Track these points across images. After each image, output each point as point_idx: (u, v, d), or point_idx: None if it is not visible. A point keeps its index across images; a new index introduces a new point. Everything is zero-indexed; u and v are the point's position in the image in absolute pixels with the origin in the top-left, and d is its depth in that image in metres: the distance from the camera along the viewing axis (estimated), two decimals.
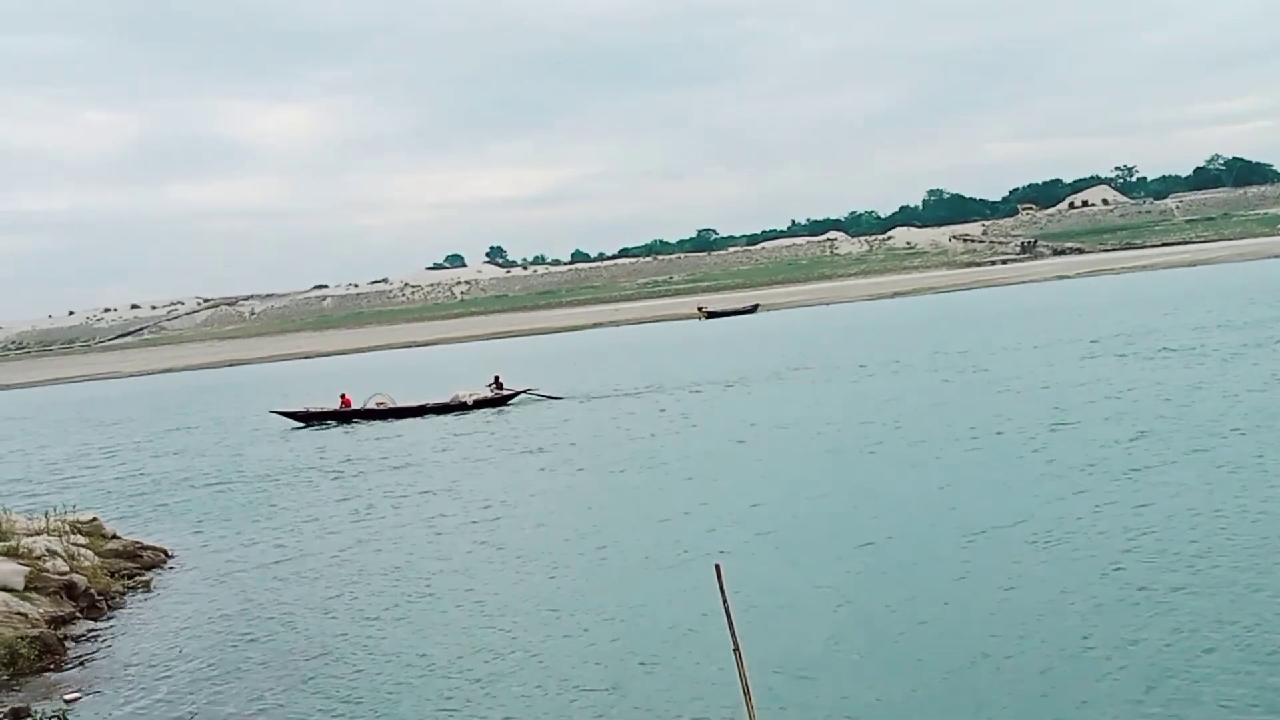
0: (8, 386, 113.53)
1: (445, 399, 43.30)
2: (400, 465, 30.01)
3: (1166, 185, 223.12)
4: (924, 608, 13.67)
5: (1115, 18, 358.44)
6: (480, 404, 42.65)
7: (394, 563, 18.81)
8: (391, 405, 42.98)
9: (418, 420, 41.04)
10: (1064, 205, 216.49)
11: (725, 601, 8.57)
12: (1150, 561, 14.47)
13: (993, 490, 19.66)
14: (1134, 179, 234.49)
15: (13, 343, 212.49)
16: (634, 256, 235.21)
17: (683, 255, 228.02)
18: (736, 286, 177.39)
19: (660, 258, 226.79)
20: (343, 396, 44.04)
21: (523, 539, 19.69)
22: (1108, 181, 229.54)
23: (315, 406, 44.80)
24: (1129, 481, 19.02)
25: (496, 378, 44.34)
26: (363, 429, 40.38)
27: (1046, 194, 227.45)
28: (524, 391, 43.65)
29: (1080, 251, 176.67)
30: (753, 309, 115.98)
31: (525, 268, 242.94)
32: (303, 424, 43.08)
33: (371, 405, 42.97)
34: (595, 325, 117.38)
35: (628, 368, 55.99)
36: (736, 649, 8.46)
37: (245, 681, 13.47)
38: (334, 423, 42.72)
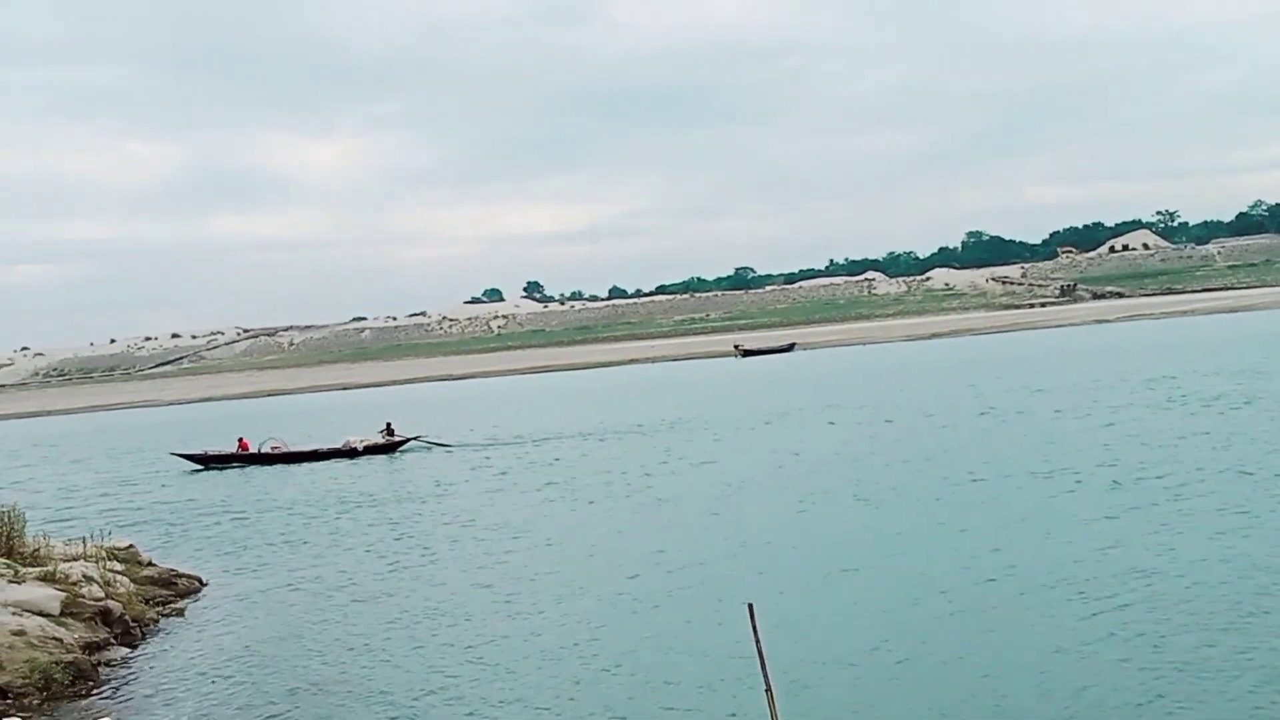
0: (50, 413, 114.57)
1: (338, 444, 43.91)
2: (417, 498, 30.07)
3: (1208, 230, 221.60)
4: (962, 654, 13.54)
5: (1160, 62, 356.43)
6: (370, 450, 43.25)
7: (426, 596, 18.81)
8: (286, 449, 43.62)
9: (315, 464, 41.59)
10: (1104, 249, 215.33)
11: (758, 641, 8.54)
12: (1208, 614, 14.30)
13: (1040, 535, 19.42)
14: (1175, 224, 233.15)
15: (54, 369, 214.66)
16: (671, 293, 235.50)
17: (720, 293, 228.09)
18: (773, 325, 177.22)
19: (697, 295, 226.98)
20: (240, 440, 44.68)
21: (552, 572, 19.67)
22: (1149, 226, 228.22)
23: (214, 450, 45.28)
24: (1170, 530, 18.83)
25: (389, 424, 45.09)
26: (263, 471, 40.93)
27: (1087, 237, 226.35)
28: (414, 439, 44.20)
29: (1120, 295, 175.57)
30: (789, 348, 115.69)
31: (562, 303, 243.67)
32: (201, 466, 43.44)
33: (267, 449, 43.54)
34: (631, 361, 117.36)
35: (641, 407, 55.96)
36: (769, 689, 8.42)
37: (276, 713, 13.48)
38: (236, 465, 43.08)
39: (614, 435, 42.73)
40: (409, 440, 43.96)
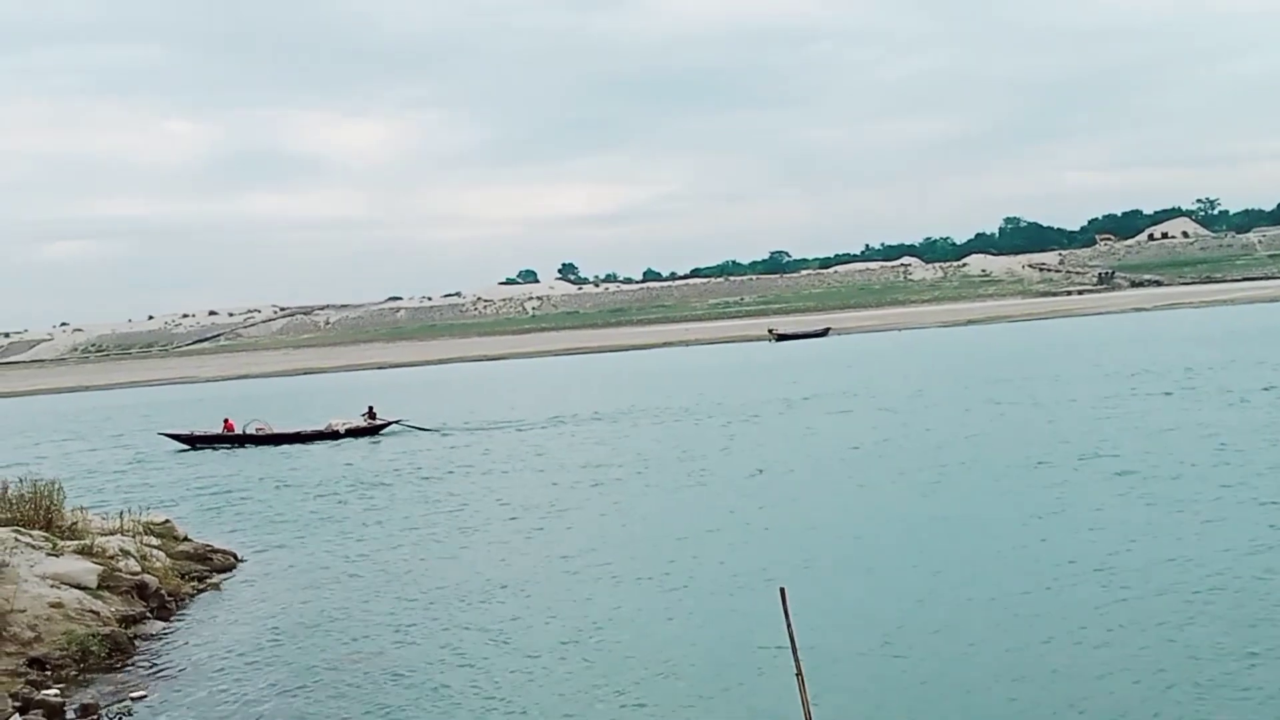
0: (87, 388, 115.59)
1: (320, 427, 44.36)
2: (448, 478, 30.20)
3: (1249, 219, 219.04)
4: (996, 644, 13.49)
5: (1202, 48, 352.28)
6: (353, 432, 43.63)
7: (458, 576, 18.90)
8: (269, 431, 44.09)
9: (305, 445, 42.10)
10: (1143, 237, 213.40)
11: (789, 625, 8.54)
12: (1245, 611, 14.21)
13: (1084, 525, 19.28)
14: (1215, 211, 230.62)
15: (93, 345, 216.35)
16: (706, 277, 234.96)
17: (755, 277, 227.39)
18: (808, 310, 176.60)
19: (732, 279, 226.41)
20: (226, 421, 45.26)
21: (584, 552, 19.72)
22: (1189, 214, 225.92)
23: (200, 430, 45.87)
24: (1216, 523, 18.71)
25: (370, 408, 45.47)
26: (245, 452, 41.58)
27: (1126, 225, 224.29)
28: (395, 422, 44.54)
29: (1158, 284, 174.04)
30: (824, 332, 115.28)
31: (597, 285, 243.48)
32: (188, 446, 43.96)
33: (251, 430, 44.10)
34: (665, 344, 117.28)
35: (660, 391, 55.94)
36: (799, 673, 8.42)
37: (312, 688, 13.59)
38: (222, 446, 43.56)
39: (646, 417, 42.76)
40: (391, 423, 44.40)
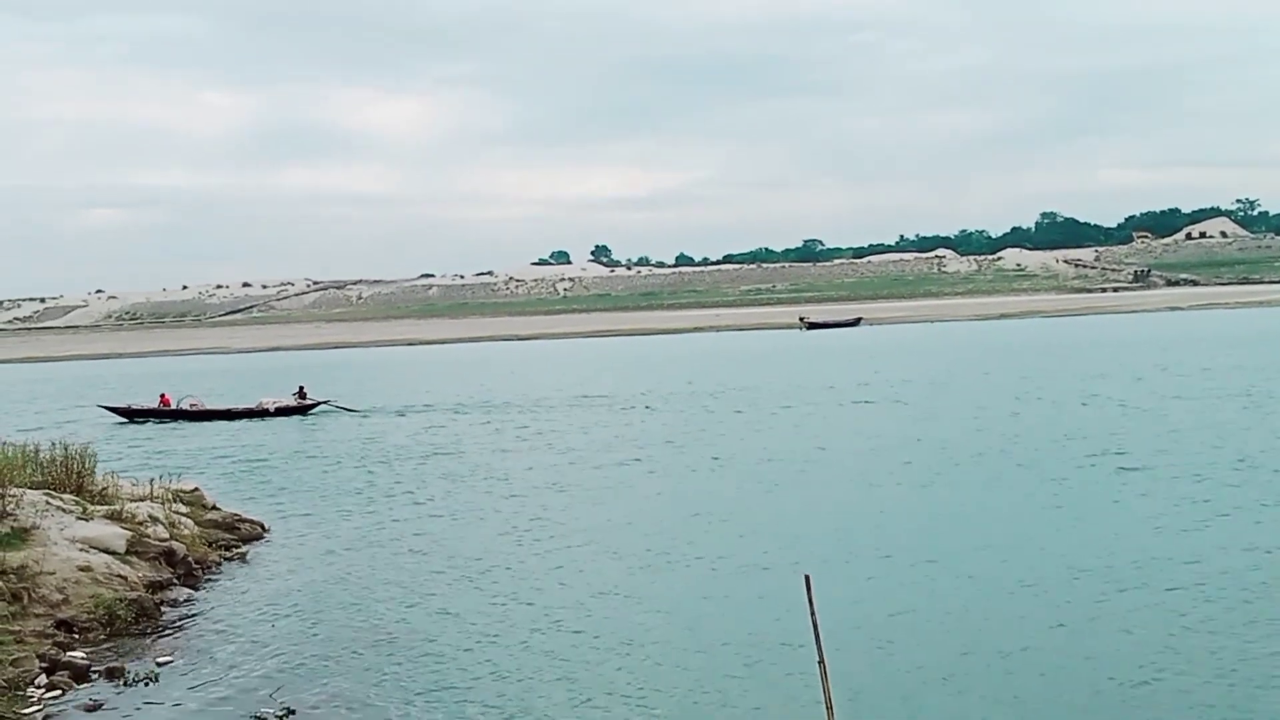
0: (120, 355, 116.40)
1: (252, 405, 44.85)
2: (474, 453, 30.29)
3: None
4: (1021, 640, 13.43)
5: (1242, 49, 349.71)
6: (283, 411, 44.02)
7: (484, 553, 18.95)
8: (203, 408, 44.55)
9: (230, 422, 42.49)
10: (1181, 235, 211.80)
11: (813, 613, 8.51)
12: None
13: (1110, 521, 19.20)
14: (1255, 212, 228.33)
15: (127, 313, 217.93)
16: (738, 263, 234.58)
17: (787, 265, 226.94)
18: (840, 299, 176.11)
19: (764, 266, 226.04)
20: (162, 396, 45.67)
21: (607, 534, 19.76)
22: (1228, 214, 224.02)
23: (137, 404, 46.21)
24: (1241, 523, 18.59)
25: (301, 387, 46.12)
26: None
27: (1163, 223, 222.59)
28: (325, 402, 45.15)
29: (1195, 283, 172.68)
30: (855, 322, 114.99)
31: (629, 268, 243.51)
32: (125, 419, 44.31)
33: (186, 406, 44.52)
34: (695, 329, 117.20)
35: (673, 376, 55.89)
36: (821, 661, 8.40)
37: (335, 658, 13.66)
38: (156, 420, 43.86)
39: (676, 400, 42.78)
40: (320, 403, 45.04)
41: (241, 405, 45.11)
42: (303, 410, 44.36)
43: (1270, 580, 15.06)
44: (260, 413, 43.81)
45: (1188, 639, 12.97)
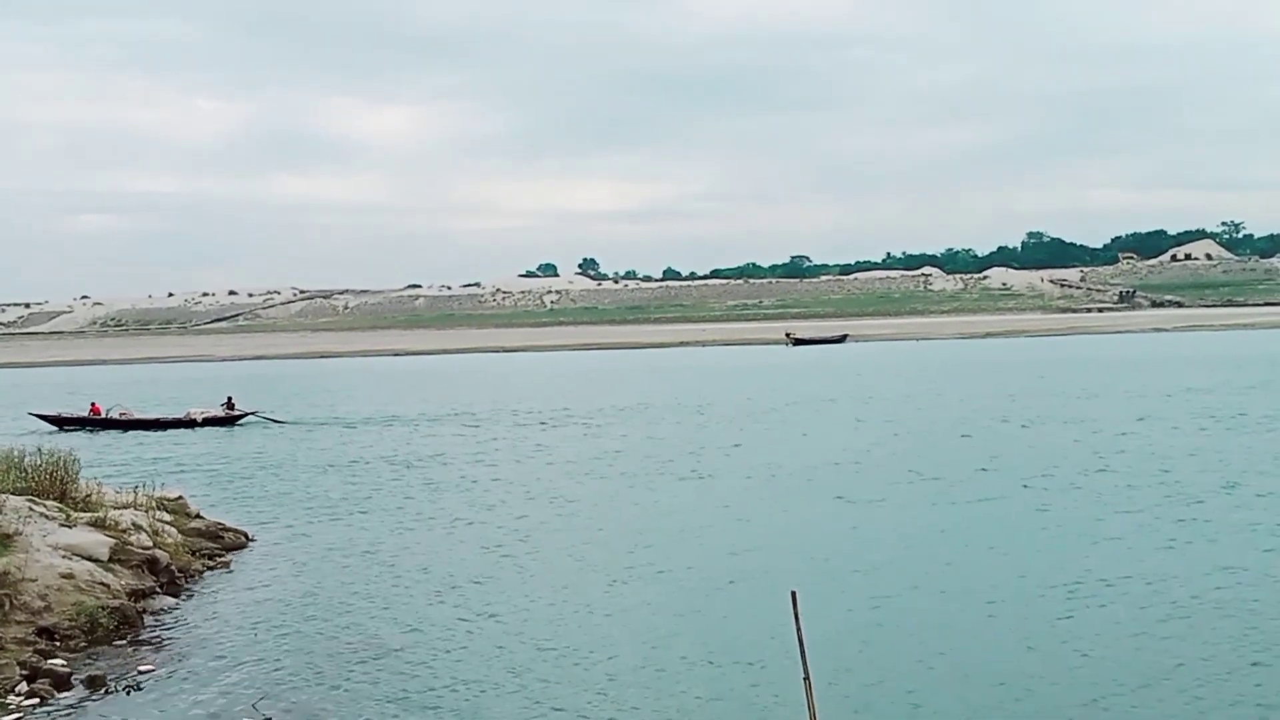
0: (105, 362, 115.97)
1: (180, 415, 45.31)
2: (460, 464, 30.26)
3: (1273, 244, 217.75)
4: (1005, 654, 13.46)
5: (1231, 72, 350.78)
6: (210, 421, 44.29)
7: (471, 565, 18.93)
8: (132, 417, 44.72)
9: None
10: (1166, 257, 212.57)
11: (799, 628, 8.52)
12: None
13: (1100, 540, 19.29)
14: (1240, 235, 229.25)
15: (112, 319, 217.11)
16: (725, 278, 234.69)
17: (774, 280, 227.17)
18: (827, 315, 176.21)
19: (751, 281, 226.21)
20: (93, 405, 45.80)
21: (594, 548, 19.74)
22: (1213, 236, 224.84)
23: (68, 412, 46.35)
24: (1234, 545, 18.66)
25: (229, 398, 46.31)
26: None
27: (1149, 244, 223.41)
28: (252, 413, 45.34)
29: (1179, 305, 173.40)
30: (842, 339, 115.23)
31: (616, 281, 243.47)
32: (57, 428, 44.04)
33: (115, 415, 44.58)
34: (681, 344, 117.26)
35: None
36: (807, 677, 8.40)
37: (316, 668, 13.62)
38: (88, 429, 43.63)
39: (660, 413, 42.81)
40: (247, 415, 45.23)
41: (170, 415, 45.63)
42: (230, 421, 44.68)
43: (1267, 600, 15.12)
44: (188, 423, 44.14)
45: (1186, 656, 13.00)
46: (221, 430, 43.06)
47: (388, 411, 48.09)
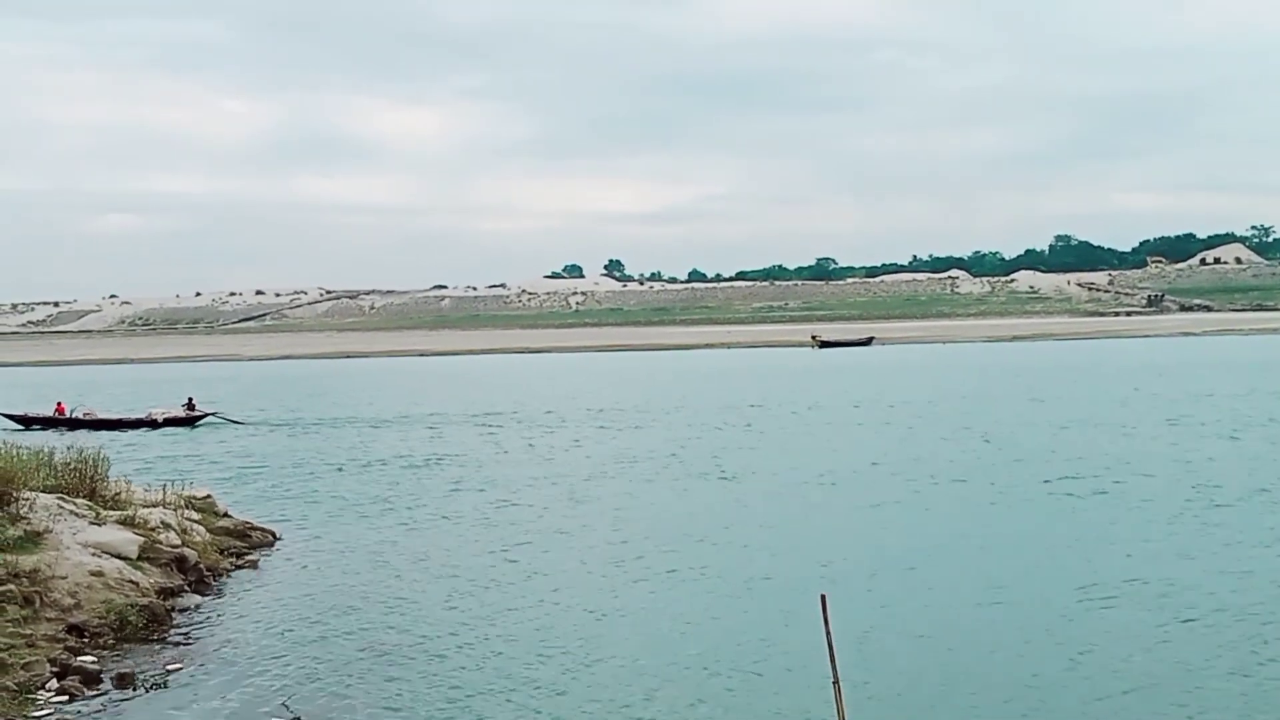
0: (132, 361, 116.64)
1: (141, 415, 45.80)
2: (488, 464, 30.26)
3: None
4: (1038, 659, 13.38)
5: (1261, 75, 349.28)
6: (170, 422, 44.74)
7: (494, 565, 18.93)
8: (96, 417, 45.15)
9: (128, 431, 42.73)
10: (1195, 261, 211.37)
11: (828, 632, 8.48)
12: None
13: (1132, 545, 19.14)
14: (1270, 239, 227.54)
15: (140, 319, 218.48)
16: (751, 280, 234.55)
17: (800, 282, 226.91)
18: (853, 318, 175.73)
19: (777, 283, 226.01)
20: (58, 404, 46.28)
21: (618, 546, 19.73)
22: (1243, 240, 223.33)
23: (34, 412, 46.97)
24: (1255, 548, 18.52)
25: (190, 399, 46.71)
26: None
27: (1178, 248, 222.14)
28: (212, 414, 45.87)
29: (1208, 309, 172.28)
30: (868, 342, 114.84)
31: (642, 283, 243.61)
32: (23, 427, 44.43)
33: (79, 415, 44.98)
34: (707, 345, 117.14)
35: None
36: (836, 681, 8.36)
37: (345, 667, 13.64)
38: (52, 429, 43.61)
39: (689, 415, 42.77)
40: (207, 415, 45.68)
41: (132, 415, 46.12)
42: (190, 422, 45.09)
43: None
44: (150, 423, 44.61)
45: (1235, 662, 12.90)
46: (182, 430, 43.30)
47: (413, 411, 48.22)
